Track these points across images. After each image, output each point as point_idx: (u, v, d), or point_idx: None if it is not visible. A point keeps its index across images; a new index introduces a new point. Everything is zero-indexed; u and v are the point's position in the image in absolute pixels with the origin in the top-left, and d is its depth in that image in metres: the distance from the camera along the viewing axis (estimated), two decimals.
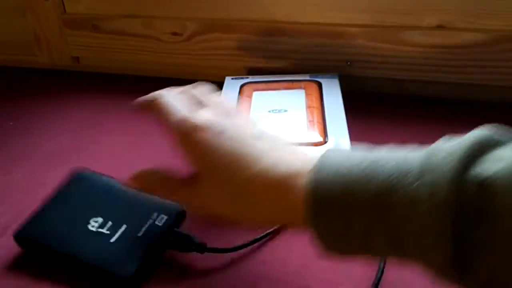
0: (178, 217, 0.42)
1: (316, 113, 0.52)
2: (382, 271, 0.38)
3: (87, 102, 0.68)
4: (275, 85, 0.59)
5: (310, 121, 0.51)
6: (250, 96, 0.57)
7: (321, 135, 0.49)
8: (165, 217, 0.42)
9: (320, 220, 0.29)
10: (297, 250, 0.41)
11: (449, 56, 0.59)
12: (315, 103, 0.54)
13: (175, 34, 0.68)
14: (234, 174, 0.32)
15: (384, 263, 0.38)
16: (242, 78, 0.61)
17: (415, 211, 0.26)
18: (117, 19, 0.69)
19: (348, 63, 0.63)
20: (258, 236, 0.41)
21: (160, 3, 0.67)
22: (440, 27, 0.59)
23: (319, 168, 0.30)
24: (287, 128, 0.51)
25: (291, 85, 0.59)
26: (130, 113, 0.64)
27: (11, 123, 0.63)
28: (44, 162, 0.55)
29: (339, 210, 0.28)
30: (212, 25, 0.66)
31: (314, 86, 0.58)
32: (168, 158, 0.54)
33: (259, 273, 0.39)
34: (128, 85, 0.71)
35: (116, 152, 0.56)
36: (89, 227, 0.41)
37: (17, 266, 0.41)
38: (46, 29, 0.73)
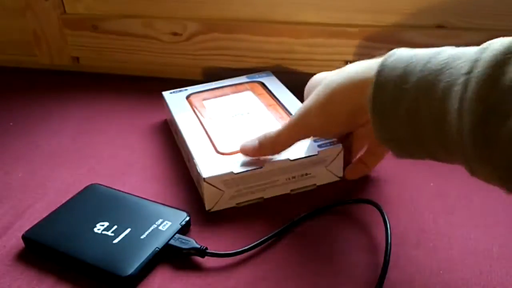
0: (182, 224, 0.43)
1: (280, 109, 0.55)
2: (385, 273, 0.38)
3: (87, 102, 0.68)
4: (219, 91, 0.60)
5: (280, 118, 0.53)
6: (203, 106, 0.57)
7: None
8: (169, 223, 0.43)
9: (379, 89, 0.35)
10: (296, 255, 0.41)
11: None
12: (272, 101, 0.57)
13: (175, 34, 0.68)
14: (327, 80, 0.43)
15: (387, 265, 0.38)
16: (180, 90, 0.61)
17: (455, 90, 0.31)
18: (117, 19, 0.70)
19: (348, 63, 0.63)
20: (258, 241, 0.41)
21: (160, 3, 0.67)
22: (440, 27, 0.59)
23: (387, 57, 0.37)
24: (265, 127, 0.51)
25: (236, 88, 0.60)
26: (131, 113, 0.65)
27: (11, 123, 0.63)
28: (44, 162, 0.55)
29: (394, 85, 0.35)
30: (212, 25, 0.66)
31: (258, 86, 0.60)
32: (168, 158, 0.55)
33: (258, 276, 0.39)
34: (128, 85, 0.71)
35: (116, 152, 0.56)
36: (95, 230, 0.42)
37: (17, 265, 0.41)
38: (46, 29, 0.73)
